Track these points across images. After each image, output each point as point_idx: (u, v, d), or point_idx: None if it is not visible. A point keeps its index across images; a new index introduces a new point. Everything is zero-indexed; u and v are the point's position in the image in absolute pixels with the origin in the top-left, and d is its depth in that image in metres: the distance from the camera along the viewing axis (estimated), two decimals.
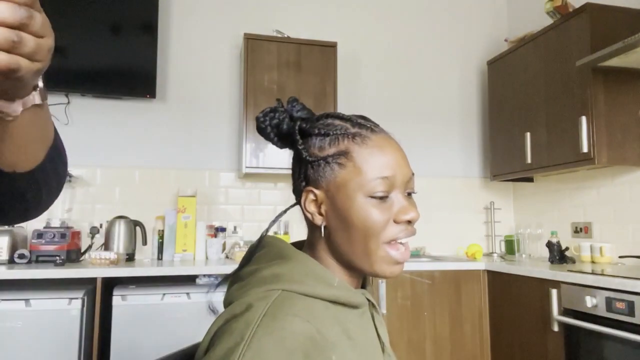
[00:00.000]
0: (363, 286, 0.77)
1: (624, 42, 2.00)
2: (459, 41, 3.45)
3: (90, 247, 2.61)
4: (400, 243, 0.68)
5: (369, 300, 0.74)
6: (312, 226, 0.73)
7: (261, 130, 0.75)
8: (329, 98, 2.80)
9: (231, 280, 0.73)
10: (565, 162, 2.47)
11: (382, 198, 0.67)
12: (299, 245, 0.77)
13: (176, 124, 2.92)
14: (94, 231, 2.58)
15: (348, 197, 0.67)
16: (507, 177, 2.99)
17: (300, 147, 0.70)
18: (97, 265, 2.24)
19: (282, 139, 0.75)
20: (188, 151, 2.93)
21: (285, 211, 0.76)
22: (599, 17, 2.35)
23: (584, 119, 2.33)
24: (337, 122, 0.70)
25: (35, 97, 0.45)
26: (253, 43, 2.74)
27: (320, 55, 2.83)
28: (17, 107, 0.44)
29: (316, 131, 0.70)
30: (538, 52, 2.70)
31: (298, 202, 0.74)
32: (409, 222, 0.68)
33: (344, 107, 3.10)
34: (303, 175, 0.72)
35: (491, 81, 3.16)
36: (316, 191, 0.70)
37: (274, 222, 0.73)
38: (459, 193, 3.31)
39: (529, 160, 2.72)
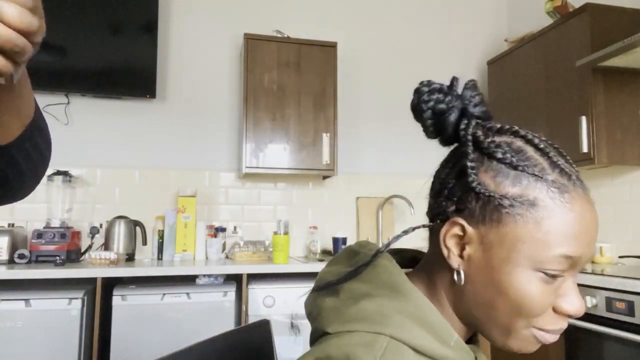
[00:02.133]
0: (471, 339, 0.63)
1: (624, 42, 2.00)
2: (459, 41, 3.45)
3: (90, 247, 2.61)
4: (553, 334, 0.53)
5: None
6: (439, 258, 0.56)
7: (418, 109, 0.57)
8: (329, 98, 2.81)
9: (320, 282, 0.61)
10: None
11: (554, 277, 0.51)
12: (405, 262, 0.64)
13: (176, 124, 2.92)
14: (94, 231, 2.58)
15: (511, 260, 0.51)
16: None
17: (469, 166, 0.52)
18: (97, 265, 2.24)
19: (439, 131, 0.57)
20: (188, 151, 2.93)
21: (413, 229, 0.58)
22: (599, 17, 2.35)
23: (584, 118, 2.33)
24: (530, 151, 0.52)
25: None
26: (253, 43, 2.74)
27: (320, 55, 2.83)
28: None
29: (500, 155, 0.52)
30: (538, 52, 2.70)
31: (431, 226, 0.58)
32: (570, 315, 0.52)
33: (344, 107, 3.11)
34: (456, 199, 0.54)
35: (491, 81, 3.16)
36: (468, 228, 0.53)
37: (398, 237, 0.56)
38: None
39: None
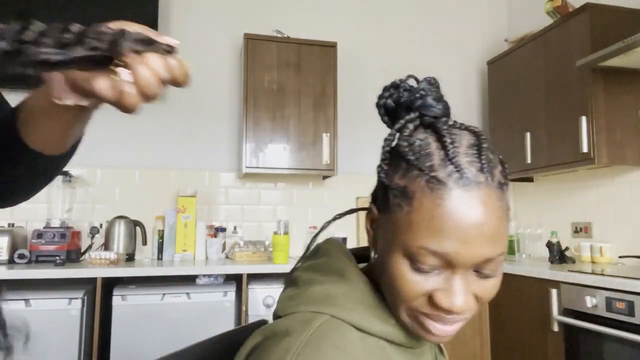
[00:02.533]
0: None
1: (624, 42, 2.00)
2: (459, 41, 3.45)
3: (90, 247, 2.61)
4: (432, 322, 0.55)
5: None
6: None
7: (377, 106, 0.62)
8: (329, 98, 2.81)
9: (287, 281, 0.66)
10: (565, 162, 2.47)
11: (425, 269, 0.52)
12: (363, 255, 0.69)
13: (176, 124, 2.92)
14: (94, 231, 2.58)
15: (391, 244, 0.54)
16: None
17: (381, 157, 0.58)
18: (97, 265, 2.24)
19: (394, 123, 0.60)
20: (188, 151, 2.93)
21: (342, 215, 0.66)
22: (599, 17, 2.35)
23: (584, 119, 2.33)
24: (432, 147, 0.54)
25: None
26: (253, 43, 2.74)
27: (320, 55, 2.83)
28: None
29: (402, 149, 0.55)
30: (538, 52, 2.70)
31: (362, 209, 0.64)
32: (446, 310, 0.52)
33: (344, 107, 3.11)
34: (375, 187, 0.60)
35: (491, 81, 3.16)
36: (375, 212, 0.59)
37: (327, 224, 0.64)
38: None
39: (529, 160, 2.72)
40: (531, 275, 2.27)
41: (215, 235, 2.79)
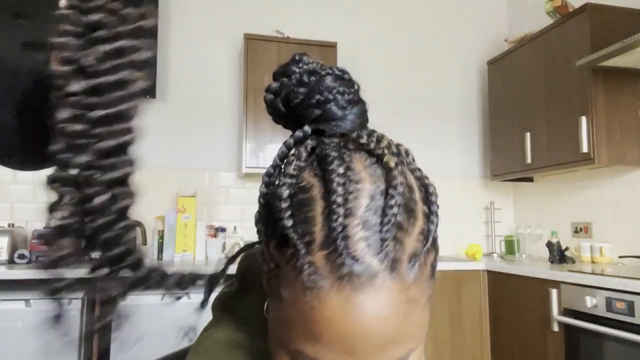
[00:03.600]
0: None
1: (624, 42, 2.00)
2: (459, 41, 3.45)
3: None
4: None
5: None
6: None
7: (267, 104, 0.48)
8: None
9: None
10: (565, 162, 2.47)
11: None
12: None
13: (176, 124, 2.92)
14: None
15: (271, 334, 0.42)
16: (507, 177, 2.99)
17: (260, 197, 0.44)
18: None
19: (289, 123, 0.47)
20: (188, 151, 2.93)
21: (234, 256, 0.55)
22: (599, 17, 2.35)
23: (584, 119, 2.33)
24: (318, 203, 0.37)
25: None
26: (253, 43, 2.74)
27: (320, 55, 2.82)
28: None
29: (283, 199, 0.38)
30: (538, 52, 2.70)
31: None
32: None
33: None
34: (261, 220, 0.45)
35: (491, 81, 3.16)
36: (275, 259, 0.40)
37: (226, 266, 0.53)
38: (459, 193, 3.31)
39: (529, 160, 2.72)
40: (531, 275, 2.27)
41: (215, 235, 2.79)
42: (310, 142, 0.41)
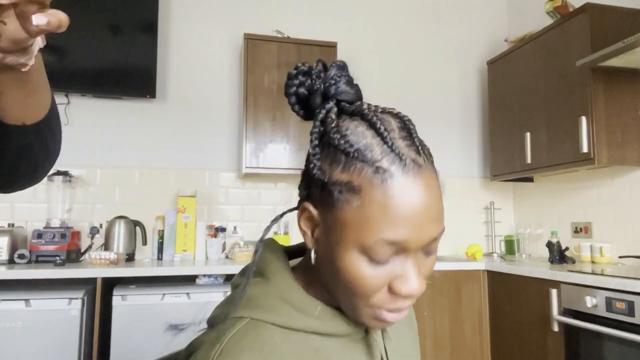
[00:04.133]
0: None
1: (624, 42, 2.00)
2: (459, 41, 3.45)
3: (90, 247, 2.61)
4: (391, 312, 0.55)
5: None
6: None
7: (285, 94, 0.60)
8: None
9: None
10: (565, 162, 2.47)
11: (382, 261, 0.52)
12: (299, 251, 0.69)
13: (176, 124, 2.92)
14: (94, 231, 2.58)
15: (342, 242, 0.52)
16: (507, 177, 2.99)
17: (311, 152, 0.54)
18: (97, 265, 2.24)
19: (307, 113, 0.59)
20: (188, 151, 2.93)
21: (283, 214, 0.63)
22: (599, 17, 2.35)
23: (584, 119, 2.33)
24: (368, 137, 0.52)
25: (41, 40, 0.45)
26: (253, 43, 2.74)
27: (320, 55, 2.83)
28: (31, 55, 0.44)
29: (336, 141, 0.52)
30: (538, 52, 2.70)
31: (294, 209, 0.62)
32: (406, 296, 0.53)
33: None
34: (307, 184, 0.57)
35: (491, 81, 3.16)
36: (313, 211, 0.55)
37: (270, 226, 0.60)
38: (459, 193, 3.31)
39: (529, 160, 2.72)
40: (531, 275, 2.27)
41: (215, 235, 2.79)
42: (335, 108, 0.56)
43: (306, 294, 0.58)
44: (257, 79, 2.72)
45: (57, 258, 2.30)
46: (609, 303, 1.84)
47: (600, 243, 2.52)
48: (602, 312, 1.87)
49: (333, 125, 0.54)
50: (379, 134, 0.52)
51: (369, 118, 0.53)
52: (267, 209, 3.01)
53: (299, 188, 0.59)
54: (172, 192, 2.85)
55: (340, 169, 0.52)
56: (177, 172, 2.89)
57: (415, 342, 0.74)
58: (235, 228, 2.91)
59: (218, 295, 2.26)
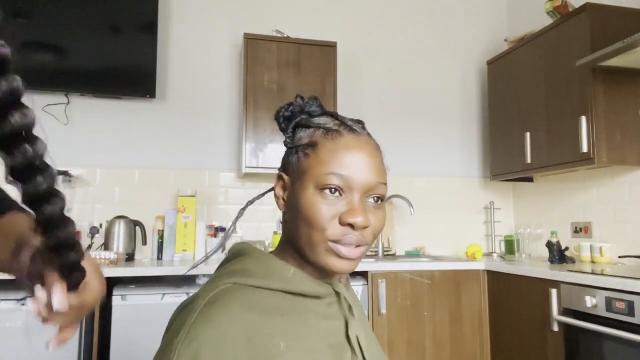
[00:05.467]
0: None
1: (624, 42, 2.00)
2: (459, 41, 3.45)
3: (90, 247, 2.61)
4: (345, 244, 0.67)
5: (340, 293, 0.74)
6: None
7: (276, 119, 0.77)
8: (329, 98, 2.80)
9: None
10: (565, 162, 2.47)
11: (333, 192, 0.66)
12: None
13: (176, 124, 2.92)
14: (94, 231, 2.58)
15: (302, 186, 0.68)
16: (507, 177, 2.99)
17: (286, 135, 0.74)
18: None
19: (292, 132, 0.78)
20: (188, 151, 2.93)
21: (263, 194, 0.80)
22: (599, 17, 2.35)
23: (584, 119, 2.33)
24: (327, 119, 0.72)
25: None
26: (253, 43, 2.74)
27: (320, 55, 2.83)
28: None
29: (303, 123, 0.73)
30: (538, 52, 2.70)
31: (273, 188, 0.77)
32: (352, 226, 0.65)
33: (344, 107, 3.10)
34: (282, 162, 0.75)
35: (491, 81, 3.16)
36: (285, 177, 0.73)
37: (246, 207, 0.79)
38: (459, 193, 3.31)
39: (529, 160, 2.72)
40: (531, 275, 2.27)
41: (215, 235, 2.79)
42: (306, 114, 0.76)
43: (279, 262, 0.70)
44: (257, 79, 2.72)
45: None
46: (609, 303, 1.84)
47: (600, 243, 2.52)
48: (602, 312, 1.87)
49: (303, 117, 0.73)
50: (335, 117, 0.72)
51: (332, 113, 0.74)
52: (267, 209, 3.01)
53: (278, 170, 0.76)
54: (172, 192, 2.85)
55: (304, 136, 0.71)
56: (177, 172, 2.89)
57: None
58: (235, 228, 2.91)
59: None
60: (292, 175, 0.71)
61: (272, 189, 0.77)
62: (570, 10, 2.54)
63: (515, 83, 2.90)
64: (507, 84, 2.98)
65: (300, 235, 0.68)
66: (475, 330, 2.58)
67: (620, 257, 2.44)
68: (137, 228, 2.66)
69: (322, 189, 0.66)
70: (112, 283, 2.27)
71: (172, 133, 2.91)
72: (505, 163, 2.98)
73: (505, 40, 3.20)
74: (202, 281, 2.34)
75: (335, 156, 0.67)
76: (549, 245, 2.53)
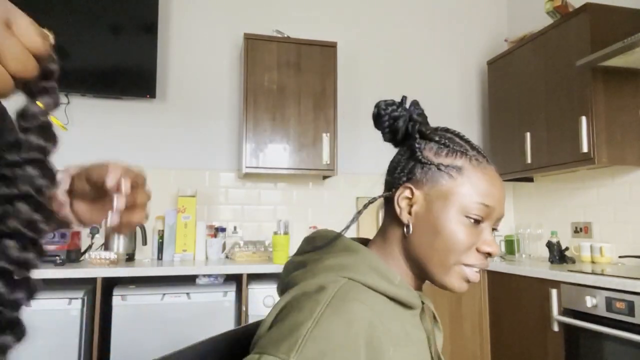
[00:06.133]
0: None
1: (624, 42, 2.00)
2: (459, 41, 3.45)
3: (90, 247, 2.61)
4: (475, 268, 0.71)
5: (423, 303, 0.75)
6: (393, 220, 0.75)
7: (378, 117, 0.76)
8: (329, 98, 2.80)
9: (288, 267, 0.76)
10: (565, 162, 2.47)
11: (476, 222, 0.69)
12: (362, 241, 0.81)
13: (176, 124, 2.92)
14: (94, 231, 2.58)
15: (445, 207, 0.69)
16: (507, 177, 2.99)
17: (417, 145, 0.72)
18: (97, 265, 2.24)
19: (393, 133, 0.76)
20: (188, 151, 2.93)
21: (370, 202, 0.76)
22: (599, 17, 2.35)
23: (584, 119, 2.33)
24: (457, 139, 0.73)
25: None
26: (253, 43, 2.74)
27: (320, 55, 2.83)
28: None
29: (437, 138, 0.73)
30: (538, 52, 2.70)
31: (385, 195, 0.77)
32: (489, 254, 0.71)
33: (344, 107, 3.11)
34: (407, 172, 0.73)
35: (491, 81, 3.16)
36: (416, 191, 0.72)
37: (357, 216, 0.75)
38: None
39: (529, 160, 2.72)
40: (531, 275, 2.27)
41: (215, 235, 2.79)
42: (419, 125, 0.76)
43: (388, 267, 0.71)
44: (257, 79, 2.72)
45: (57, 258, 2.30)
46: (609, 303, 1.84)
47: (600, 243, 2.52)
48: (602, 312, 1.87)
49: (429, 131, 0.74)
50: (463, 139, 0.74)
51: (452, 130, 0.76)
52: (267, 209, 3.01)
53: (389, 179, 0.77)
54: (172, 192, 2.85)
55: (444, 155, 0.71)
56: (177, 172, 2.89)
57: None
58: (235, 228, 2.91)
59: (218, 295, 2.26)
60: (429, 193, 0.71)
61: (386, 195, 0.76)
62: (570, 10, 2.54)
63: (515, 83, 2.90)
64: (507, 84, 2.98)
65: (433, 254, 0.70)
66: (475, 330, 2.58)
67: (620, 257, 2.44)
68: (137, 228, 2.66)
69: (466, 215, 0.69)
70: (112, 283, 2.27)
71: (172, 133, 2.91)
72: (505, 163, 2.98)
73: (505, 40, 3.20)
74: (202, 281, 2.34)
75: (484, 186, 0.69)
76: (549, 245, 2.53)
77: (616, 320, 1.81)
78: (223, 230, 2.83)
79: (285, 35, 2.86)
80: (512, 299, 2.42)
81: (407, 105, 0.76)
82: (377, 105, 0.75)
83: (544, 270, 2.20)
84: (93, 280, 2.15)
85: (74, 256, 2.46)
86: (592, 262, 2.52)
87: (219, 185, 2.95)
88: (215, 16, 3.04)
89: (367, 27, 3.29)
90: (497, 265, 2.54)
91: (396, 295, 0.68)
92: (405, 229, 0.72)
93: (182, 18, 2.99)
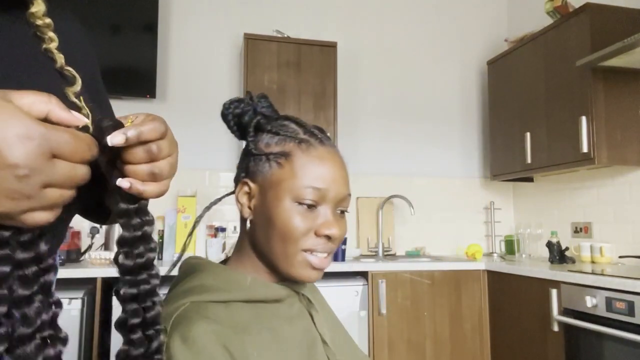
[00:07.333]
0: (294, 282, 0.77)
1: (624, 42, 2.00)
2: (459, 41, 3.45)
3: (90, 247, 2.61)
4: (318, 253, 0.69)
5: (299, 292, 0.75)
6: (242, 219, 0.75)
7: (223, 117, 0.77)
8: (329, 98, 2.81)
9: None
10: (565, 162, 2.47)
11: (309, 207, 0.68)
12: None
13: (176, 124, 2.90)
14: (94, 231, 2.58)
15: (277, 197, 0.68)
16: (507, 177, 2.99)
17: (249, 139, 0.73)
18: (97, 265, 2.24)
19: (241, 130, 0.77)
20: (188, 151, 2.92)
21: (219, 199, 0.78)
22: (599, 17, 2.35)
23: (584, 119, 2.33)
24: (292, 125, 0.72)
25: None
26: (253, 43, 2.74)
27: (320, 55, 2.83)
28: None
29: (269, 128, 0.72)
30: (538, 52, 2.70)
31: (231, 193, 0.77)
32: (329, 237, 0.69)
33: (344, 107, 3.10)
34: (244, 167, 0.74)
35: (491, 81, 3.16)
36: (251, 184, 0.72)
37: (203, 213, 0.78)
38: (459, 193, 3.31)
39: (529, 160, 2.72)
40: (531, 275, 2.27)
41: (215, 235, 2.79)
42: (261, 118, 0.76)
43: (235, 272, 0.71)
44: (257, 79, 2.72)
45: (57, 258, 2.30)
46: (609, 303, 1.84)
47: (600, 243, 2.52)
48: (602, 312, 1.87)
49: (264, 122, 0.73)
50: (299, 124, 0.73)
51: (292, 117, 0.74)
52: None
53: (235, 175, 0.75)
54: (172, 192, 2.85)
55: (274, 144, 0.70)
56: (177, 172, 2.86)
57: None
58: (235, 228, 2.91)
59: None
60: (262, 184, 0.71)
61: (231, 193, 0.76)
62: (570, 10, 2.54)
63: (515, 83, 2.90)
64: (507, 84, 2.98)
65: (273, 246, 0.69)
66: (475, 330, 2.58)
67: (620, 257, 2.44)
68: None
69: (298, 201, 0.67)
70: (112, 283, 2.27)
71: (172, 133, 2.90)
72: (505, 163, 2.98)
73: (505, 40, 3.20)
74: None
75: (311, 168, 0.68)
76: (549, 245, 2.53)
77: (616, 320, 1.81)
78: (223, 230, 2.83)
79: (285, 35, 2.86)
80: (512, 299, 2.42)
81: (253, 100, 0.75)
82: (222, 105, 0.77)
83: (544, 270, 2.20)
84: (93, 280, 2.15)
85: (74, 256, 2.46)
86: (592, 262, 2.52)
87: (219, 185, 2.95)
88: (215, 16, 3.04)
89: (367, 27, 3.29)
90: (497, 265, 2.54)
91: (248, 297, 0.68)
92: (247, 225, 0.72)
93: (182, 18, 2.99)
